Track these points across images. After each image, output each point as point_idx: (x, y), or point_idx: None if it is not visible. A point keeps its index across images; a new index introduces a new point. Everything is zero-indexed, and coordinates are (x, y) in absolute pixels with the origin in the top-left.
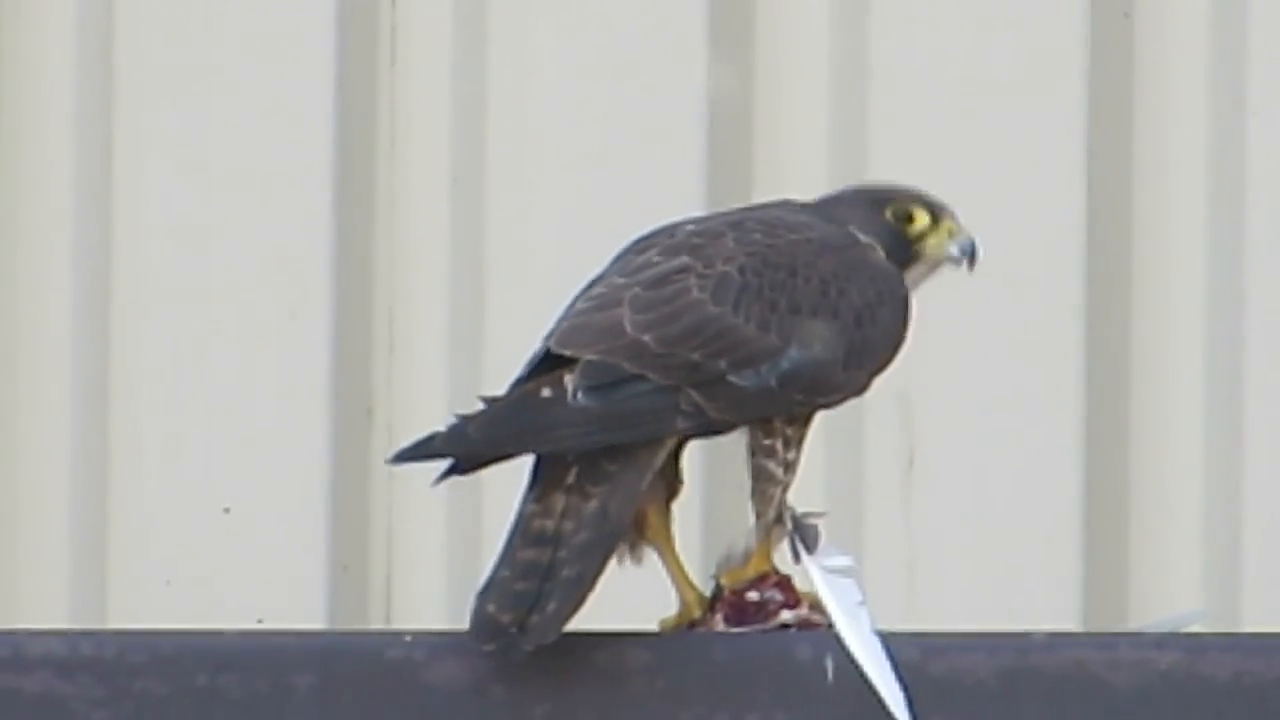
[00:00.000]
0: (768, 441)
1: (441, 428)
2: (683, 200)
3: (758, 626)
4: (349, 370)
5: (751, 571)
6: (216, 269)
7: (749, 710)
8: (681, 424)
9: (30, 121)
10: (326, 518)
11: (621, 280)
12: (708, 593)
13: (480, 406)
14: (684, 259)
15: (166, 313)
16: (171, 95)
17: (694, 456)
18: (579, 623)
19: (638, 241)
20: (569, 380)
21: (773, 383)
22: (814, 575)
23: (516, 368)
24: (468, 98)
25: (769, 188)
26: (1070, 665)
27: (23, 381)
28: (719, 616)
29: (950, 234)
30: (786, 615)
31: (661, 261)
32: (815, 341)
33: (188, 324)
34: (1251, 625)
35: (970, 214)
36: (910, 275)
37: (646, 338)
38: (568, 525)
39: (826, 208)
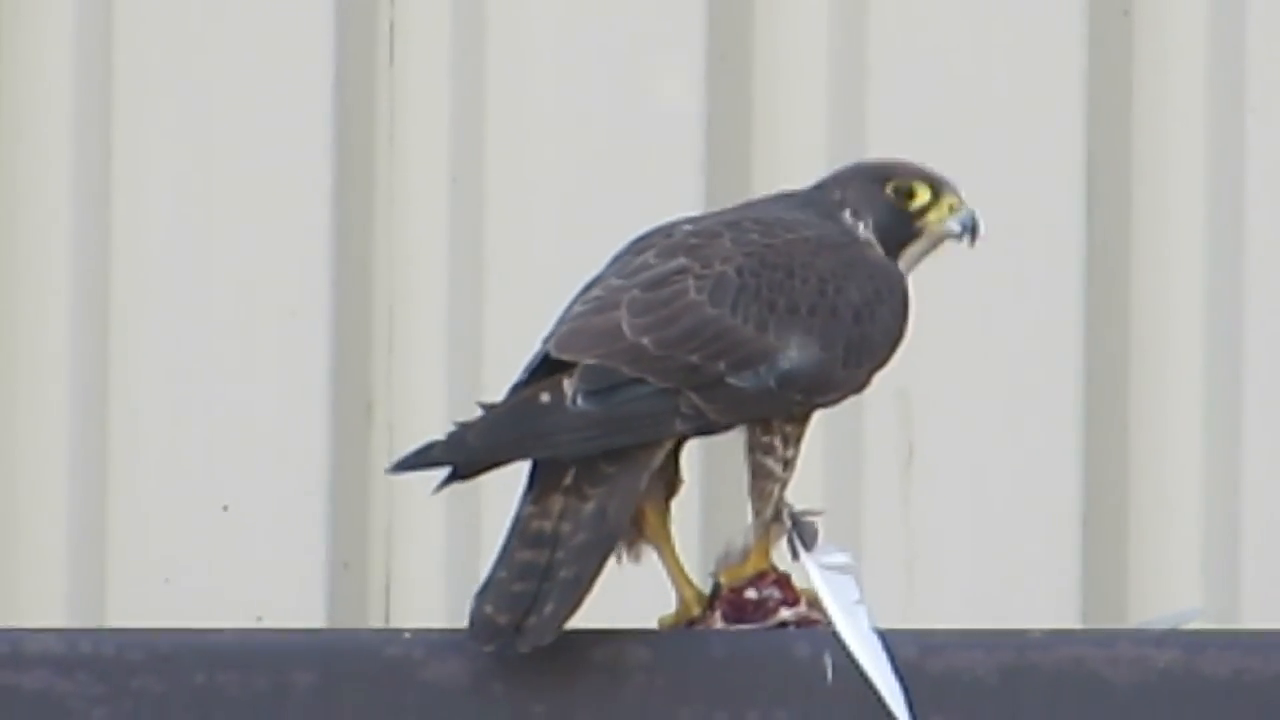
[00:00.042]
0: (766, 439)
1: (441, 436)
2: (681, 199)
3: (756, 624)
4: (348, 368)
5: (750, 569)
6: (216, 268)
7: (748, 708)
8: (681, 426)
9: (30, 121)
10: (326, 516)
11: (619, 282)
12: (706, 590)
13: (479, 413)
14: (681, 260)
15: (166, 312)
16: (171, 95)
17: (692, 454)
18: (578, 621)
19: (635, 242)
20: (568, 385)
21: (772, 383)
22: (812, 573)
23: (515, 365)
24: (467, 96)
25: (767, 188)
26: (1069, 662)
27: (22, 380)
28: (718, 614)
29: (951, 209)
30: (785, 613)
31: (659, 263)
32: (814, 341)
33: (187, 323)
34: (1250, 622)
35: None
36: (912, 251)
37: (645, 340)
38: (565, 526)
39: (826, 188)
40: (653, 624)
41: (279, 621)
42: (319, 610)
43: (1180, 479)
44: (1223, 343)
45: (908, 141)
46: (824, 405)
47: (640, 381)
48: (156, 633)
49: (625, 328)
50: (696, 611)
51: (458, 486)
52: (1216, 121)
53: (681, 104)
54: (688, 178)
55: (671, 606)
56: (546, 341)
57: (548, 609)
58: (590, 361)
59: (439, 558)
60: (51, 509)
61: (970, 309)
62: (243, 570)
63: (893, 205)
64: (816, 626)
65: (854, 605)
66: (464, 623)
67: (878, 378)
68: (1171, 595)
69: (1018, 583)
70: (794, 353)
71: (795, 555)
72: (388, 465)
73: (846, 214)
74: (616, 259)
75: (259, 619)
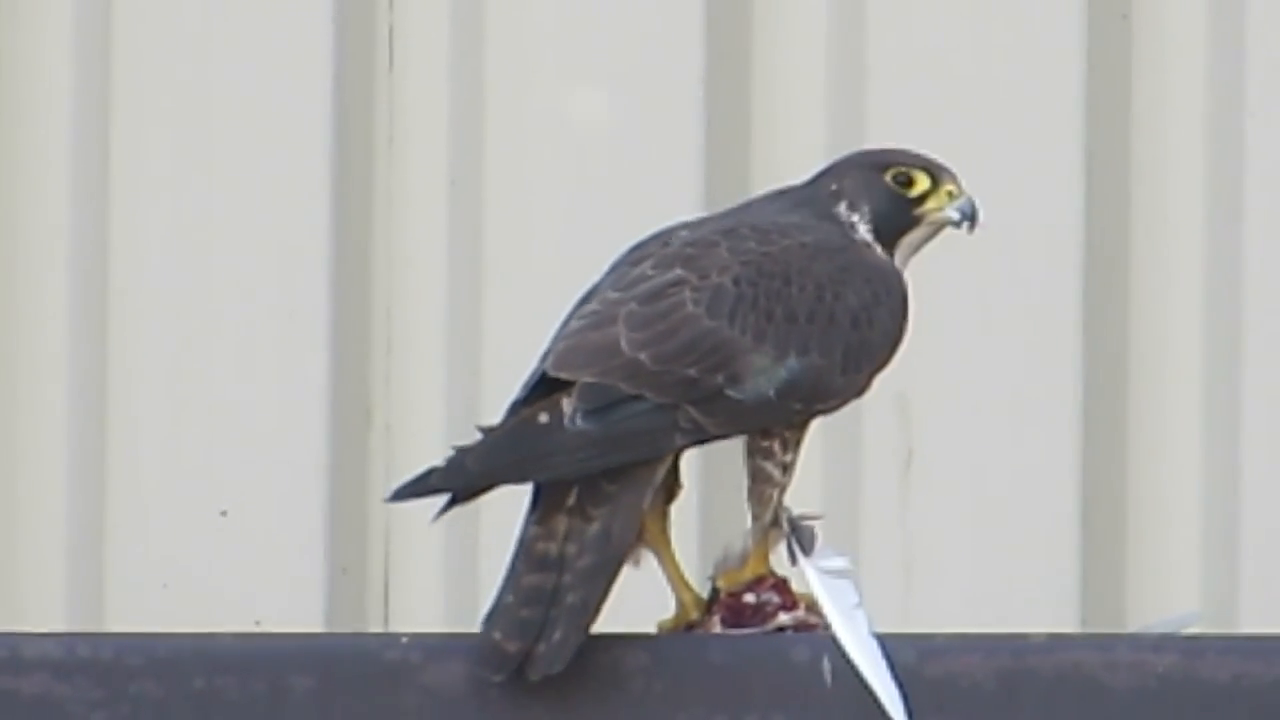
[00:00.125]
0: (765, 443)
1: (439, 461)
2: (680, 201)
3: (755, 629)
4: (347, 372)
5: (748, 573)
6: (215, 270)
7: (746, 712)
8: (680, 440)
9: (29, 122)
10: (324, 520)
11: (616, 295)
12: (705, 595)
13: (478, 436)
14: (678, 271)
15: (165, 314)
16: (171, 98)
17: (691, 459)
18: None
19: (632, 250)
20: (566, 404)
21: (771, 394)
22: (811, 577)
23: (514, 368)
24: (466, 100)
25: (767, 188)
26: (1068, 667)
27: (21, 383)
28: (716, 618)
29: (950, 196)
30: (783, 617)
31: (656, 274)
32: (812, 349)
33: (186, 325)
34: (1249, 627)
35: None
36: (910, 239)
37: (642, 356)
38: (571, 548)
39: (823, 181)
40: (651, 628)
41: (277, 626)
42: (317, 614)
43: (1179, 482)
44: (1222, 345)
45: (907, 143)
46: (824, 412)
47: (638, 398)
48: (155, 637)
49: (623, 343)
50: (695, 616)
51: None
52: (1215, 123)
53: (681, 104)
54: (688, 178)
55: (670, 611)
56: (544, 359)
57: (556, 636)
58: (588, 380)
59: (437, 562)
60: (50, 513)
61: (969, 312)
62: (241, 574)
63: (892, 193)
64: (815, 631)
65: (852, 609)
66: (462, 626)
67: (877, 381)
68: (1170, 599)
69: (1016, 586)
70: (793, 362)
71: (794, 560)
72: (386, 494)
73: (843, 207)
74: (614, 268)
75: (257, 623)
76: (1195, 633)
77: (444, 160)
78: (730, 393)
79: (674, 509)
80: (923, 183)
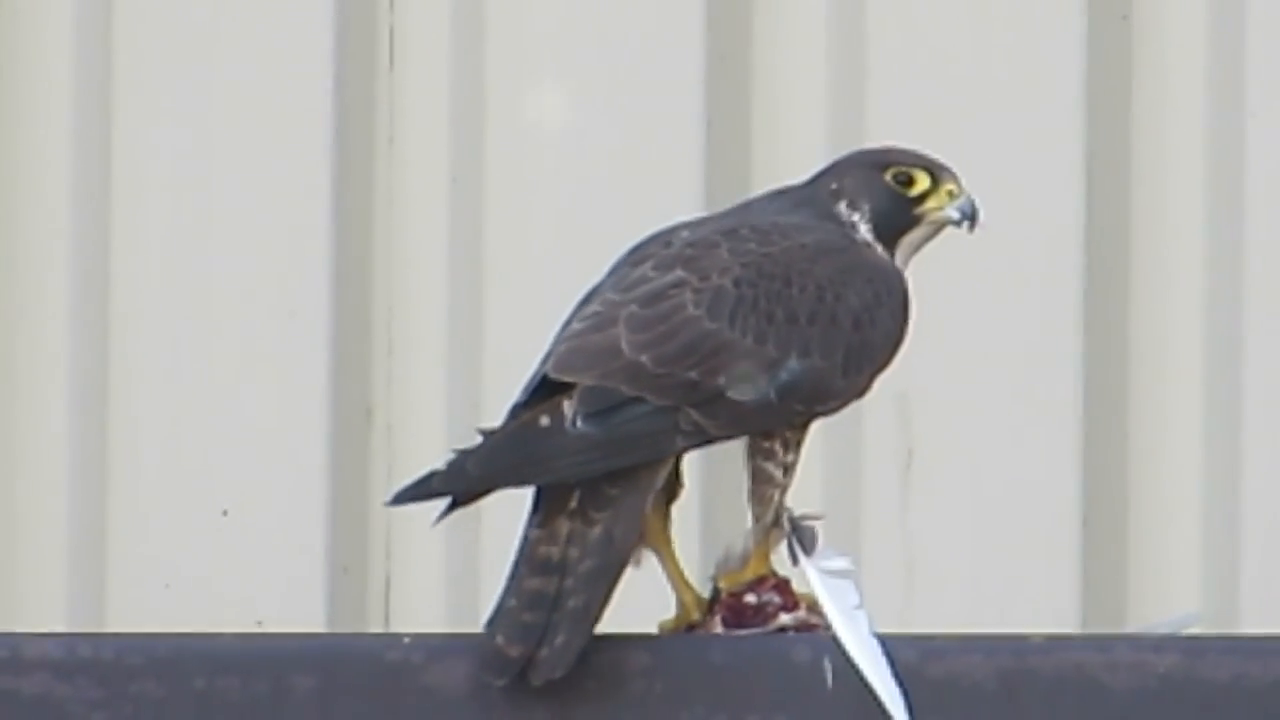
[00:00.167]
0: (766, 444)
1: (440, 464)
2: (680, 201)
3: (756, 629)
4: (348, 371)
5: (749, 574)
6: (216, 270)
7: (747, 712)
8: (681, 443)
9: (29, 122)
10: (325, 520)
11: (616, 297)
12: (706, 595)
13: (478, 437)
14: (679, 273)
15: (165, 314)
16: (171, 98)
17: (692, 459)
18: None
19: (633, 251)
20: (567, 407)
21: (772, 395)
22: (812, 577)
23: (515, 368)
24: (466, 99)
25: (767, 188)
26: (1068, 667)
27: (22, 383)
28: (717, 619)
29: (950, 195)
30: (784, 618)
31: (656, 276)
32: (813, 351)
33: (186, 325)
34: (1250, 627)
35: None
36: (910, 238)
37: (643, 358)
38: (573, 552)
39: (824, 180)
40: (653, 629)
41: (278, 626)
42: (318, 614)
43: (1180, 482)
44: (1222, 346)
45: (907, 143)
46: (825, 414)
47: (640, 401)
48: (156, 637)
49: (624, 345)
50: (696, 616)
51: None
52: (1215, 125)
53: (681, 104)
54: (688, 178)
55: (671, 611)
56: (545, 361)
57: (559, 640)
58: (589, 382)
59: (438, 562)
60: (51, 513)
61: (969, 312)
62: (242, 574)
63: (892, 192)
64: (816, 631)
65: (853, 610)
66: (464, 626)
67: (877, 381)
68: (1171, 599)
69: (1017, 587)
70: (794, 363)
71: (795, 560)
72: (387, 494)
73: (843, 206)
74: (614, 269)
75: (258, 623)
76: (1195, 633)
77: (444, 160)
78: (731, 395)
79: (675, 509)
80: (923, 182)
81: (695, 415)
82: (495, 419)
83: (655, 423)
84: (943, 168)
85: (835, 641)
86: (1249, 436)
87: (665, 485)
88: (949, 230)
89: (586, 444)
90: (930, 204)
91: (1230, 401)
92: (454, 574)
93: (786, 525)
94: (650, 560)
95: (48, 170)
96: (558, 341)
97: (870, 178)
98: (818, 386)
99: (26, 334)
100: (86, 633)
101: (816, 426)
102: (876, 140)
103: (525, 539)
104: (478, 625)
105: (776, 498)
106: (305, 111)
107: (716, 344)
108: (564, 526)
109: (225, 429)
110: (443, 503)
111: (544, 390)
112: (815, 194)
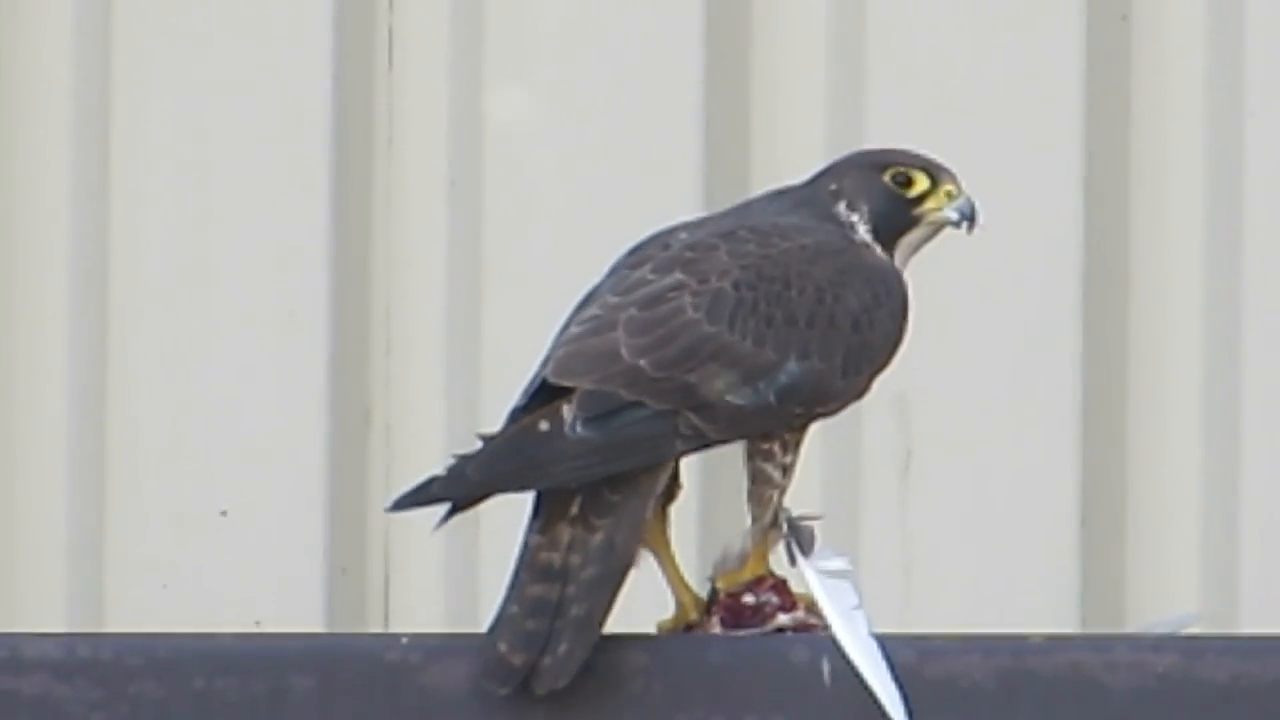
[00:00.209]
0: (765, 445)
1: (439, 470)
2: (679, 201)
3: (754, 629)
4: (347, 372)
5: (748, 574)
6: (215, 271)
7: (745, 713)
8: (681, 447)
9: (28, 121)
10: (324, 520)
11: (615, 300)
12: (704, 595)
13: (477, 441)
14: (678, 275)
15: (164, 314)
16: (170, 98)
17: (690, 460)
18: None
19: (632, 253)
20: (567, 411)
21: (771, 398)
22: (810, 578)
23: (514, 369)
24: (465, 100)
25: (766, 189)
26: (1067, 667)
27: (20, 383)
28: (715, 619)
29: (949, 197)
30: (783, 618)
31: (655, 279)
32: (812, 353)
33: (185, 325)
34: (1249, 627)
35: None
36: (909, 239)
37: (642, 362)
38: (574, 559)
39: (823, 180)
40: (651, 629)
41: (277, 626)
42: (317, 615)
43: (1178, 483)
44: (1221, 346)
45: (907, 143)
46: (825, 415)
47: (639, 405)
48: (155, 637)
49: (623, 349)
50: (694, 617)
51: None
52: (1215, 126)
53: (681, 104)
54: (687, 178)
55: (669, 611)
56: (544, 365)
57: (562, 649)
58: (588, 387)
59: (437, 562)
60: (50, 513)
61: (968, 313)
62: (241, 575)
63: (890, 193)
64: (814, 632)
65: (852, 610)
66: (463, 627)
67: (876, 382)
68: (1169, 599)
69: (1016, 587)
70: (793, 366)
71: (793, 560)
72: (386, 495)
73: (842, 207)
74: (613, 271)
75: (257, 624)
76: (1194, 633)
77: (444, 160)
78: (730, 398)
79: (673, 510)
80: (922, 183)
81: (694, 419)
82: (494, 420)
83: (654, 427)
84: (941, 168)
85: (833, 642)
86: (1248, 436)
87: (664, 486)
88: (948, 231)
89: (586, 448)
90: (929, 205)
91: (1229, 402)
92: (453, 574)
93: (785, 526)
94: (648, 561)
95: (48, 170)
96: (556, 345)
97: (869, 178)
98: (817, 389)
99: (26, 334)
100: (85, 633)
101: (815, 427)
102: (876, 140)
103: (526, 545)
104: (476, 625)
105: (775, 498)
106: (304, 112)
107: (715, 348)
108: (565, 533)
109: (224, 429)
110: (442, 507)
111: (543, 394)
112: (814, 194)
